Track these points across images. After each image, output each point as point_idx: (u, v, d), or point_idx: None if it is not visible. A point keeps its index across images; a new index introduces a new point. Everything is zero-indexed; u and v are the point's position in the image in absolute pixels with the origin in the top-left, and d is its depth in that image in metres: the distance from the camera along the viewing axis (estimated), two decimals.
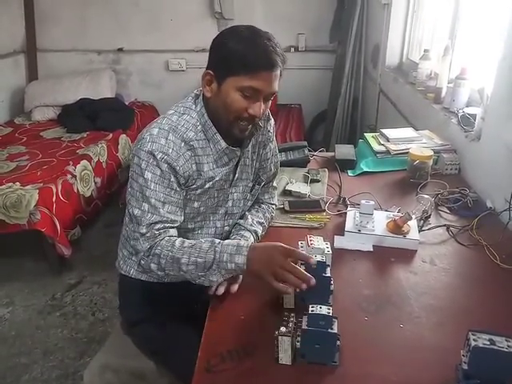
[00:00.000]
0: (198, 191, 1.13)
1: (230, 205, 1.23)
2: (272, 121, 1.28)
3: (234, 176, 1.19)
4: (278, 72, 1.05)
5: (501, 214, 1.34)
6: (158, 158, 1.04)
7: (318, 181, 1.63)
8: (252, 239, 1.21)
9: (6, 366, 1.90)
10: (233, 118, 1.07)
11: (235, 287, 1.04)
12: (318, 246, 1.05)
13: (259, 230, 1.25)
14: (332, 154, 1.86)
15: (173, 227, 1.10)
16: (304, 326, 0.83)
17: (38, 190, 2.31)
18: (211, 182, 1.14)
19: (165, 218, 1.07)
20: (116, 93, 3.79)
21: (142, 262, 1.08)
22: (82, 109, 3.43)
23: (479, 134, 1.58)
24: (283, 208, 1.43)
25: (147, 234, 1.06)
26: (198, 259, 1.02)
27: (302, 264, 0.99)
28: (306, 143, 1.86)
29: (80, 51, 3.93)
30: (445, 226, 1.32)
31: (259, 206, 1.33)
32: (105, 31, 3.85)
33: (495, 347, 0.74)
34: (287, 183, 1.58)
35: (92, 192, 2.74)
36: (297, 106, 3.91)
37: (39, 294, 2.33)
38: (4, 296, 2.32)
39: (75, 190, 2.57)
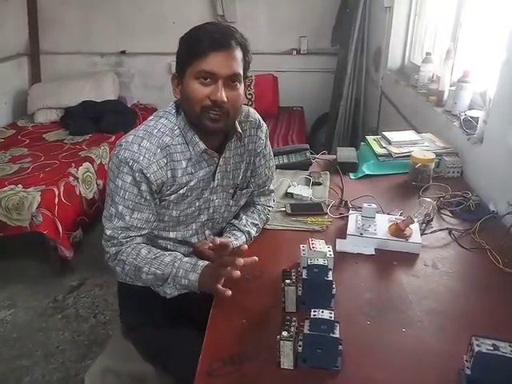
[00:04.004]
0: (172, 197, 1.14)
1: (211, 211, 1.23)
2: (264, 127, 1.27)
3: (213, 182, 1.19)
4: (235, 53, 1.03)
5: (504, 218, 1.34)
6: (130, 165, 1.06)
7: (320, 184, 1.62)
8: (244, 239, 1.23)
9: (7, 368, 1.90)
10: (199, 110, 1.05)
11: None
12: (319, 250, 1.05)
13: (252, 230, 1.26)
14: (334, 156, 1.86)
15: (139, 235, 1.13)
16: (306, 331, 0.82)
17: (40, 193, 2.31)
18: (185, 188, 1.14)
19: (129, 225, 1.11)
20: (119, 95, 3.81)
21: (109, 263, 1.15)
22: (84, 111, 3.44)
23: (481, 137, 1.57)
24: (285, 211, 1.42)
25: (113, 241, 1.12)
26: (158, 271, 1.08)
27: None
28: (307, 146, 1.86)
29: (83, 54, 3.94)
30: (447, 229, 1.32)
31: (255, 207, 1.34)
32: (108, 34, 3.87)
33: (499, 352, 0.74)
34: (289, 186, 1.58)
35: (94, 194, 2.75)
36: (299, 109, 3.92)
37: (41, 296, 2.33)
38: (6, 298, 2.33)
39: (77, 193, 2.58)
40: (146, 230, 1.14)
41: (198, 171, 1.15)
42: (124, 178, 1.07)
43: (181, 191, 1.14)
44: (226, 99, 1.04)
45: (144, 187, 1.08)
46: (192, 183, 1.15)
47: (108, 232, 1.11)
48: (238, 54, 1.04)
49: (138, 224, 1.11)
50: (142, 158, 1.06)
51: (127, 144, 1.08)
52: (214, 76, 1.02)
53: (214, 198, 1.22)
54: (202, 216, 1.22)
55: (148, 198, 1.10)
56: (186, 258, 1.10)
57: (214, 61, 1.01)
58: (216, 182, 1.19)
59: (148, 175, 1.07)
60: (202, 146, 1.11)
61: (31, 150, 2.96)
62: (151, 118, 1.15)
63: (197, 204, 1.19)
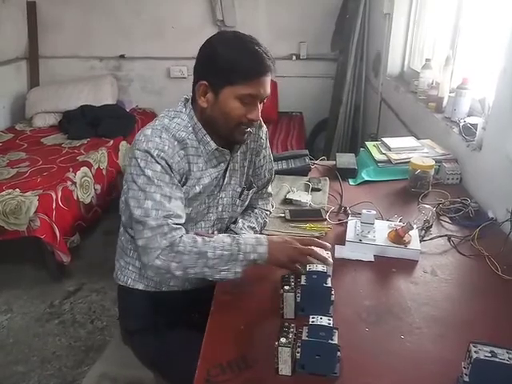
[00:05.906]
0: (190, 194, 1.13)
1: (220, 210, 1.23)
2: (264, 128, 1.30)
3: (223, 180, 1.20)
4: (271, 75, 1.07)
5: (502, 225, 1.34)
6: (155, 155, 1.05)
7: (319, 190, 1.62)
8: None
9: (2, 374, 1.88)
10: (234, 125, 1.09)
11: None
12: None
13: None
14: (333, 162, 1.86)
15: (180, 224, 1.07)
16: (304, 337, 0.82)
17: (37, 197, 2.30)
18: (201, 186, 1.14)
19: (171, 212, 1.04)
20: (117, 99, 3.81)
21: (159, 262, 1.02)
22: (83, 115, 3.44)
23: (480, 144, 1.58)
24: (284, 217, 1.42)
25: (163, 229, 1.02)
26: (224, 252, 1.04)
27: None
28: (307, 152, 1.86)
29: (82, 58, 3.95)
30: (446, 236, 1.32)
31: (252, 211, 1.34)
32: (107, 38, 3.88)
33: (496, 359, 0.73)
34: (288, 192, 1.57)
35: (92, 199, 2.74)
36: (298, 114, 3.93)
37: (38, 301, 2.32)
38: (2, 303, 2.31)
39: (75, 197, 2.57)
40: (183, 219, 1.08)
41: (209, 169, 1.15)
42: (153, 167, 1.04)
43: (196, 190, 1.14)
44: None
45: (171, 175, 1.07)
46: (206, 181, 1.15)
47: (153, 223, 1.02)
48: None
49: (177, 211, 1.06)
50: (166, 147, 1.06)
51: (147, 137, 1.07)
52: (256, 98, 1.07)
53: (223, 195, 1.22)
54: (210, 214, 1.22)
55: (178, 185, 1.09)
56: (244, 235, 1.11)
57: (260, 85, 1.05)
58: (226, 179, 1.20)
59: (173, 165, 1.07)
60: (213, 145, 1.13)
61: (29, 154, 2.96)
62: (163, 115, 1.14)
63: (206, 201, 1.19)
